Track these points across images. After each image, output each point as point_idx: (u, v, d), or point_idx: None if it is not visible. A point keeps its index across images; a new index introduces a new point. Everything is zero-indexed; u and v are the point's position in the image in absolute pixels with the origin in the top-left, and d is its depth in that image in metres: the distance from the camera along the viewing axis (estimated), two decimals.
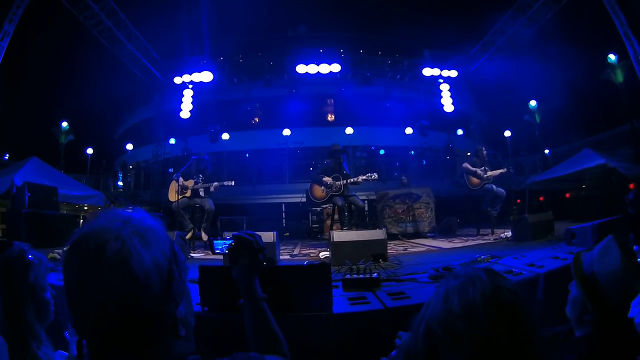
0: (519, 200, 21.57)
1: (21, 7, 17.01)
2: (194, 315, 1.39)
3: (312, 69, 20.80)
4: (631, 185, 14.18)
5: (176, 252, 1.27)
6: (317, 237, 13.78)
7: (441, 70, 21.52)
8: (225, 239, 2.07)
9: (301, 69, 20.87)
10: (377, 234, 6.34)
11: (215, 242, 2.16)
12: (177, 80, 20.65)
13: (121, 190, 29.93)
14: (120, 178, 32.85)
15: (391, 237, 10.34)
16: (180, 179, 9.43)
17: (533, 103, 33.23)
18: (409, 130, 24.95)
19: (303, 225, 16.88)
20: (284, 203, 23.26)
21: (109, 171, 33.48)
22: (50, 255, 6.12)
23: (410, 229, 11.59)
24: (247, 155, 28.08)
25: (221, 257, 3.56)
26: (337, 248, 5.97)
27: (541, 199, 22.43)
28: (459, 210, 14.18)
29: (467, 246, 8.34)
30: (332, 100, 29.14)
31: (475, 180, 10.54)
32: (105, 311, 1.08)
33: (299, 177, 23.86)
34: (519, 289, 1.26)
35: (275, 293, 2.40)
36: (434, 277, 4.17)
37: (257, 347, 1.76)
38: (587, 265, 2.18)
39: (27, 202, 9.80)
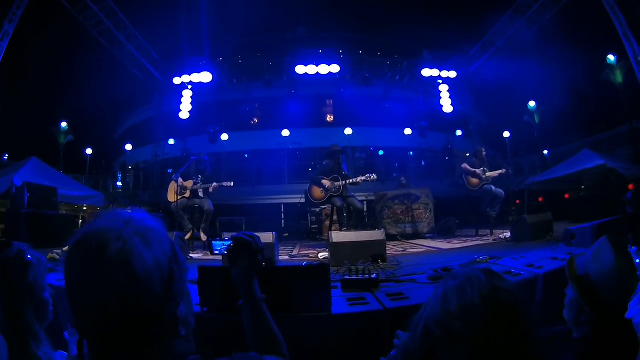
0: (518, 201, 21.61)
1: (21, 7, 17.00)
2: (194, 316, 1.40)
3: (311, 69, 20.79)
4: (630, 186, 14.20)
5: (177, 252, 1.27)
6: (316, 237, 13.78)
7: (440, 71, 21.50)
8: (225, 239, 2.07)
9: (300, 69, 20.85)
10: (376, 235, 6.33)
11: (214, 243, 2.16)
12: (177, 80, 20.62)
13: (120, 190, 29.94)
14: (120, 178, 32.88)
15: (390, 238, 10.36)
16: (180, 179, 9.42)
17: (532, 104, 33.29)
18: (408, 131, 24.98)
19: (302, 226, 16.86)
20: (283, 204, 23.28)
21: (108, 171, 33.50)
22: (50, 255, 6.11)
23: (409, 230, 11.59)
24: (246, 155, 28.13)
25: (220, 257, 3.56)
26: (336, 249, 5.96)
27: (540, 199, 22.47)
28: (458, 211, 14.17)
29: (466, 247, 8.34)
30: (332, 101, 29.18)
31: (474, 181, 10.55)
32: (106, 311, 1.08)
33: (298, 177, 23.87)
34: (518, 289, 1.26)
35: (274, 294, 2.40)
36: (432, 277, 4.17)
37: (256, 347, 1.77)
38: (581, 266, 2.19)
39: (26, 202, 9.80)
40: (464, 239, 10.03)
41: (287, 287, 3.03)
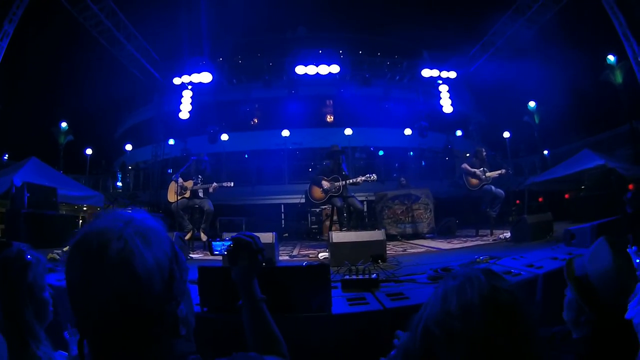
0: (518, 201, 21.58)
1: (21, 8, 17.00)
2: (194, 316, 1.40)
3: (311, 70, 20.83)
4: (630, 186, 14.18)
5: (177, 252, 1.28)
6: (316, 238, 13.78)
7: (440, 71, 21.54)
8: (224, 240, 2.07)
9: (300, 70, 20.89)
10: (376, 235, 6.33)
11: (214, 243, 2.16)
12: (177, 81, 20.65)
13: (120, 190, 29.89)
14: (120, 178, 32.82)
15: (390, 238, 10.37)
16: (180, 179, 9.42)
17: (532, 104, 33.26)
18: (408, 131, 25.00)
19: (302, 226, 16.87)
20: (283, 204, 23.26)
21: (108, 172, 33.47)
22: (50, 255, 6.12)
23: (409, 230, 11.59)
24: (246, 156, 28.11)
25: (220, 257, 3.56)
26: (336, 249, 5.96)
27: (540, 199, 22.44)
28: (458, 211, 14.17)
29: (466, 247, 8.34)
30: (331, 101, 29.15)
31: (474, 181, 10.55)
32: (107, 310, 1.09)
33: (298, 178, 23.82)
34: (518, 289, 1.25)
35: (274, 294, 2.40)
36: (432, 277, 4.18)
37: (256, 347, 1.77)
38: (579, 268, 2.20)
39: (26, 202, 9.80)
40: (464, 239, 10.04)
41: (287, 287, 3.03)
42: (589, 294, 2.08)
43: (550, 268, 4.21)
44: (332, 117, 29.79)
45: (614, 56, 25.35)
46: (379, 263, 5.71)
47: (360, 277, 3.97)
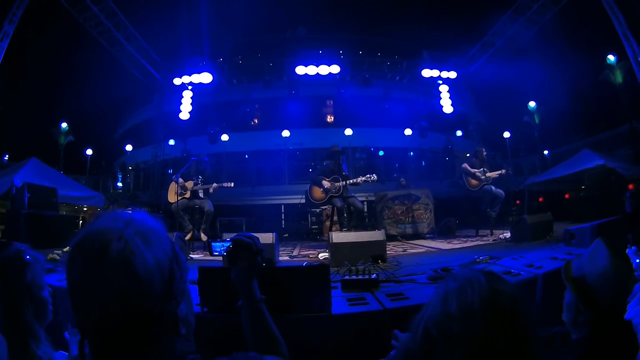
0: (518, 201, 21.60)
1: (21, 8, 17.01)
2: (194, 316, 1.40)
3: (311, 70, 20.82)
4: (630, 186, 14.19)
5: (177, 252, 1.28)
6: (316, 238, 13.77)
7: (440, 72, 21.50)
8: (224, 240, 2.07)
9: (300, 70, 20.88)
10: (376, 235, 6.34)
11: (213, 244, 2.16)
12: (177, 81, 20.63)
13: (120, 191, 29.86)
14: (120, 179, 32.78)
15: (390, 238, 10.38)
16: (180, 180, 9.43)
17: (532, 104, 33.27)
18: (408, 132, 24.97)
19: (302, 226, 16.84)
20: (283, 204, 23.25)
21: (109, 172, 33.43)
22: (50, 256, 6.12)
23: (409, 230, 11.59)
24: (246, 156, 28.12)
25: (220, 258, 3.56)
26: (336, 249, 5.96)
27: (540, 199, 22.46)
28: (458, 212, 14.18)
29: (466, 247, 8.34)
30: (332, 102, 29.13)
31: (474, 181, 10.56)
32: (108, 310, 1.09)
33: (298, 178, 23.82)
34: (518, 292, 1.25)
35: (274, 294, 2.41)
36: (432, 278, 4.18)
37: (256, 348, 1.77)
38: (576, 269, 2.20)
39: (26, 203, 9.81)
40: (464, 239, 10.04)
41: (288, 287, 3.03)
42: (586, 295, 2.08)
43: (550, 268, 4.20)
44: (332, 118, 29.79)
45: (613, 56, 25.38)
46: (379, 263, 5.71)
47: (360, 277, 3.98)
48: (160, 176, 25.21)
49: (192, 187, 9.53)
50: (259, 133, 27.99)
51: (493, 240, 9.22)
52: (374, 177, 9.21)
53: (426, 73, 21.57)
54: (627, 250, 2.88)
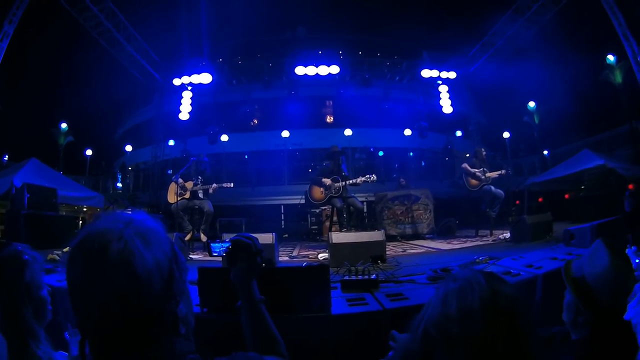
0: (517, 202, 21.59)
1: (21, 8, 17.00)
2: (194, 316, 1.41)
3: (311, 70, 20.82)
4: (630, 186, 14.19)
5: (176, 252, 1.29)
6: (316, 238, 13.77)
7: (440, 72, 21.49)
8: (224, 241, 2.07)
9: (300, 70, 20.88)
10: (375, 236, 6.33)
11: (212, 245, 2.16)
12: (176, 81, 20.62)
13: (120, 191, 29.89)
14: (120, 179, 32.81)
15: (390, 238, 10.39)
16: (180, 180, 9.43)
17: (532, 104, 33.30)
18: (407, 132, 24.95)
19: (302, 226, 16.84)
20: (283, 205, 23.26)
21: (108, 172, 33.47)
22: (50, 256, 6.12)
23: (409, 231, 11.59)
24: (246, 156, 28.14)
25: (220, 258, 3.56)
26: (335, 249, 5.96)
27: (540, 200, 22.46)
28: (457, 212, 14.19)
29: (466, 247, 8.34)
30: (331, 102, 29.13)
31: (474, 181, 10.56)
32: (108, 311, 1.10)
33: (298, 178, 23.82)
34: (518, 294, 1.25)
35: (274, 294, 2.41)
36: (432, 278, 4.18)
37: (256, 348, 1.77)
38: (576, 269, 2.20)
39: (26, 203, 9.81)
40: (464, 240, 10.04)
41: (287, 287, 3.04)
42: (586, 296, 2.09)
43: (549, 268, 4.21)
44: (332, 118, 29.78)
45: (613, 56, 25.39)
46: (378, 264, 5.72)
47: (359, 277, 3.98)
48: (160, 177, 25.20)
49: (192, 188, 9.53)
50: (259, 133, 27.99)
51: (493, 241, 9.22)
52: (374, 177, 9.21)
53: (426, 73, 21.56)
54: (627, 250, 2.89)
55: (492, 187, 10.37)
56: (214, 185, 9.46)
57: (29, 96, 34.13)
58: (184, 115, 20.36)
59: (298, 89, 24.21)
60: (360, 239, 6.19)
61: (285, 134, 24.81)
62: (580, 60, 26.54)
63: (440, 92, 21.86)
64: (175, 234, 7.40)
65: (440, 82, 21.78)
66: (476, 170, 10.49)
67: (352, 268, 4.46)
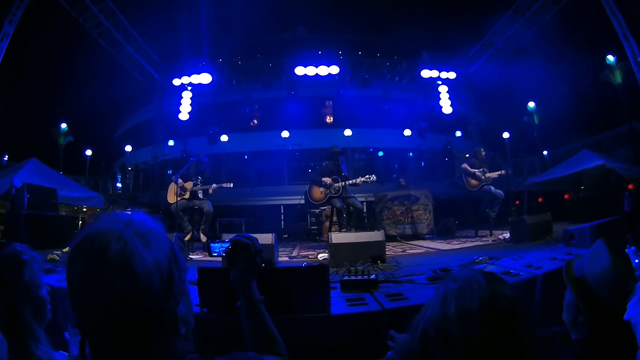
0: (517, 202, 21.59)
1: (21, 8, 16.99)
2: (193, 316, 1.41)
3: (310, 71, 20.85)
4: (630, 186, 14.19)
5: (176, 252, 1.29)
6: (316, 239, 13.76)
7: (440, 72, 21.51)
8: (223, 241, 2.07)
9: (300, 71, 20.90)
10: (375, 236, 6.33)
11: (212, 245, 2.16)
12: (176, 82, 20.64)
13: (120, 191, 29.86)
14: (119, 180, 32.79)
15: (389, 238, 10.39)
16: (179, 180, 9.42)
17: (532, 104, 33.29)
18: (407, 132, 24.93)
19: (302, 227, 16.84)
20: (283, 205, 23.21)
21: (108, 173, 33.43)
22: (50, 256, 6.12)
23: (408, 231, 11.59)
24: (245, 157, 28.14)
25: (219, 258, 3.56)
26: (335, 250, 5.96)
27: (540, 200, 22.46)
28: (457, 212, 14.19)
29: (466, 247, 8.35)
30: (331, 102, 29.11)
31: (473, 181, 10.56)
32: (108, 311, 1.10)
33: (298, 179, 23.78)
34: (518, 295, 1.25)
35: (273, 295, 2.41)
36: (431, 278, 4.18)
37: (255, 348, 1.77)
38: (577, 269, 2.20)
39: (26, 203, 9.81)
40: (463, 240, 10.05)
41: (287, 288, 3.04)
42: (586, 296, 2.08)
43: (549, 268, 4.21)
44: (332, 118, 29.77)
45: (613, 56, 25.38)
46: (378, 264, 5.72)
47: (359, 277, 3.98)
48: (160, 177, 25.20)
49: (192, 188, 9.53)
50: (259, 134, 27.97)
51: (492, 241, 9.22)
52: (373, 177, 9.22)
53: (425, 73, 21.59)
54: (627, 250, 2.89)
55: (492, 188, 10.37)
56: (214, 185, 9.46)
57: (29, 96, 34.20)
58: (183, 115, 20.37)
59: (298, 89, 24.21)
60: (359, 239, 6.19)
61: (285, 134, 24.80)
62: (580, 61, 26.54)
63: (440, 93, 21.88)
64: (175, 234, 7.41)
65: (440, 82, 21.80)
66: (476, 170, 10.49)
67: (352, 268, 4.46)
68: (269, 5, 27.78)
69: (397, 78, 25.58)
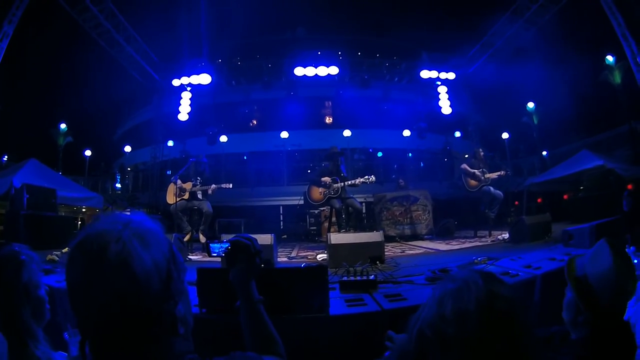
0: (516, 202, 21.58)
1: (20, 8, 17.00)
2: (193, 317, 1.41)
3: (310, 71, 20.89)
4: (629, 186, 14.19)
5: (175, 252, 1.30)
6: (315, 239, 13.74)
7: (439, 73, 21.56)
8: (222, 242, 2.07)
9: (299, 71, 20.94)
10: (374, 236, 6.33)
11: (211, 245, 2.16)
12: (176, 82, 20.68)
13: (119, 192, 29.90)
14: (119, 180, 32.83)
15: (388, 239, 10.38)
16: (179, 181, 9.42)
17: (531, 105, 33.29)
18: (406, 133, 24.94)
19: (301, 227, 16.85)
20: (282, 205, 23.21)
21: (107, 173, 33.47)
22: (49, 257, 6.12)
23: (407, 231, 11.58)
24: (245, 157, 28.12)
25: (219, 259, 3.57)
26: (334, 250, 5.95)
27: (539, 200, 22.45)
28: (456, 213, 14.17)
29: (465, 248, 8.34)
30: (330, 103, 29.10)
31: (473, 182, 10.57)
32: (107, 311, 1.11)
33: (297, 179, 23.79)
34: (516, 295, 1.24)
35: (272, 295, 2.41)
36: (430, 279, 4.18)
37: (254, 348, 1.78)
38: (579, 268, 2.20)
39: (25, 203, 9.80)
40: (463, 240, 10.03)
41: (286, 288, 3.04)
42: (587, 295, 2.08)
43: (548, 269, 4.21)
44: (331, 119, 29.75)
45: (612, 57, 25.38)
46: (377, 264, 5.72)
47: (358, 278, 3.98)
48: (159, 177, 25.25)
49: (191, 189, 9.53)
50: (258, 134, 27.95)
51: (491, 241, 9.20)
52: (373, 178, 9.23)
53: (425, 74, 21.65)
54: (626, 250, 2.89)
55: (491, 188, 10.38)
56: (213, 186, 9.47)
57: (29, 96, 34.22)
58: (183, 115, 20.40)
59: (297, 89, 24.19)
60: (358, 239, 6.18)
61: (285, 134, 24.82)
62: (580, 61, 26.54)
63: (439, 93, 21.94)
64: (174, 234, 7.41)
65: (439, 82, 21.86)
66: (476, 170, 10.50)
67: (351, 269, 4.46)
68: (269, 5, 27.82)
69: (396, 78, 25.61)
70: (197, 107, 21.36)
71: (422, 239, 11.14)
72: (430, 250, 8.38)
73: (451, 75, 21.68)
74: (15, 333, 2.01)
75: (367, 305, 3.36)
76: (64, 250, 6.62)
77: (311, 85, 23.85)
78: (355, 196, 9.79)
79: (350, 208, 9.53)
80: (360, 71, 24.48)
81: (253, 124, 29.88)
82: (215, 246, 2.13)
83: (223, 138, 24.05)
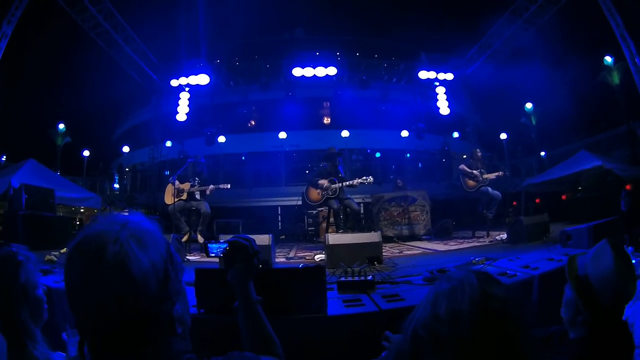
0: (515, 203, 21.59)
1: (19, 9, 17.00)
2: (190, 317, 1.42)
3: (308, 72, 20.88)
4: (627, 186, 14.19)
5: (172, 253, 1.31)
6: (313, 240, 13.75)
7: (437, 73, 21.58)
8: (220, 242, 2.08)
9: (297, 72, 20.92)
10: (372, 237, 6.34)
11: (209, 245, 2.17)
12: (174, 83, 20.67)
13: (117, 192, 29.84)
14: (117, 180, 32.74)
15: (386, 239, 10.38)
16: (177, 181, 9.43)
17: (529, 105, 33.27)
18: (405, 133, 24.95)
19: (299, 228, 16.83)
20: (280, 206, 23.21)
21: (106, 173, 33.38)
22: (47, 257, 6.12)
23: (405, 232, 11.58)
24: (243, 158, 28.09)
25: (217, 259, 3.57)
26: (332, 251, 5.96)
27: (537, 201, 22.46)
28: (454, 213, 14.21)
29: (463, 248, 8.34)
30: (328, 103, 29.07)
31: (471, 182, 10.59)
32: (105, 312, 1.12)
33: (295, 180, 23.76)
34: (511, 296, 1.23)
35: (270, 295, 2.41)
36: (428, 279, 4.19)
37: (252, 348, 1.78)
38: (581, 267, 2.20)
39: (24, 204, 9.78)
40: (461, 241, 10.04)
41: (284, 289, 3.04)
42: (587, 295, 2.08)
43: (546, 269, 4.21)
44: (329, 119, 29.73)
45: (611, 57, 25.37)
46: (375, 265, 5.72)
47: (356, 279, 3.99)
48: (157, 178, 25.26)
49: (189, 189, 9.53)
50: (256, 135, 27.91)
51: (489, 242, 9.21)
52: (371, 179, 9.23)
53: (423, 75, 21.65)
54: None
55: (490, 189, 10.39)
56: (211, 186, 9.47)
57: (27, 97, 34.11)
58: (181, 116, 20.41)
59: (295, 90, 24.16)
60: (356, 240, 6.19)
61: (283, 135, 24.81)
62: (578, 62, 26.53)
63: (438, 94, 21.98)
64: (172, 235, 7.40)
65: (437, 83, 21.89)
66: (474, 170, 10.51)
67: (349, 269, 4.46)
68: (267, 6, 27.80)
69: (394, 79, 25.66)
70: (196, 107, 21.36)
71: (420, 240, 11.14)
72: (428, 251, 8.39)
73: (449, 76, 21.70)
74: (13, 333, 2.01)
75: (364, 305, 3.36)
76: (62, 251, 6.61)
77: (309, 85, 23.84)
78: (353, 197, 9.80)
79: (348, 209, 9.53)
80: (359, 72, 24.50)
81: (251, 124, 29.86)
82: (214, 247, 2.14)
83: (221, 138, 24.02)
